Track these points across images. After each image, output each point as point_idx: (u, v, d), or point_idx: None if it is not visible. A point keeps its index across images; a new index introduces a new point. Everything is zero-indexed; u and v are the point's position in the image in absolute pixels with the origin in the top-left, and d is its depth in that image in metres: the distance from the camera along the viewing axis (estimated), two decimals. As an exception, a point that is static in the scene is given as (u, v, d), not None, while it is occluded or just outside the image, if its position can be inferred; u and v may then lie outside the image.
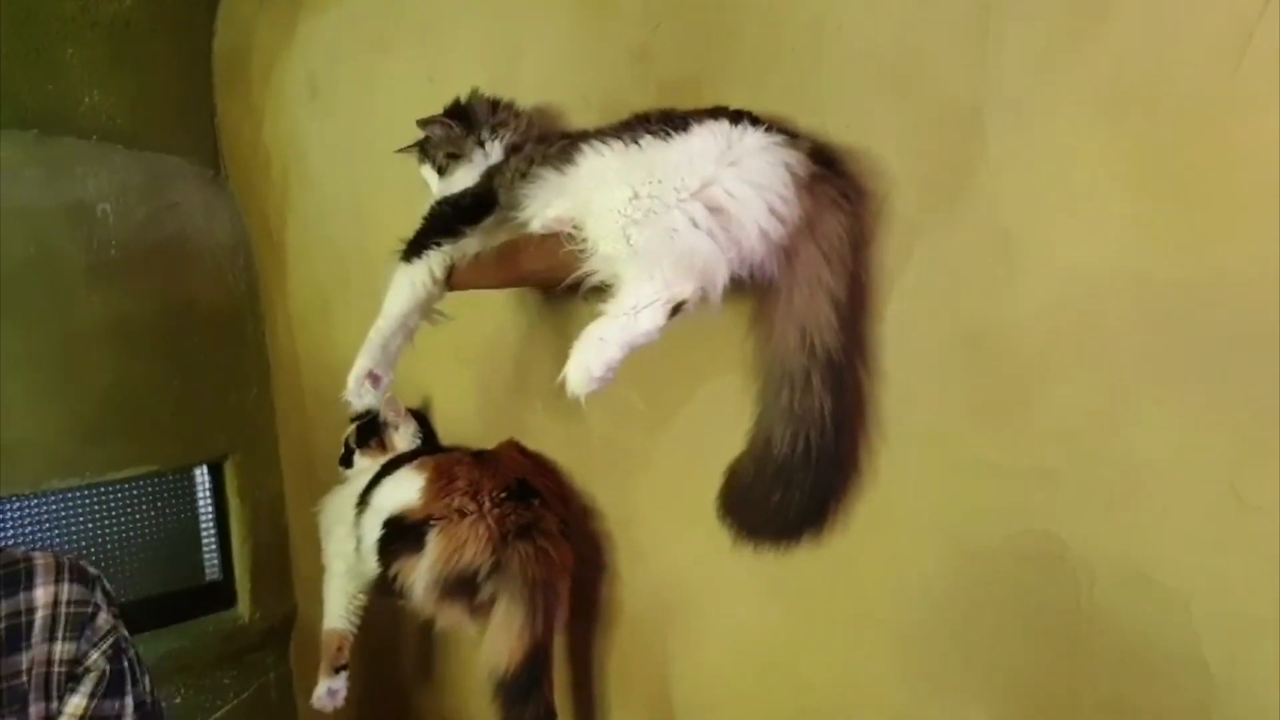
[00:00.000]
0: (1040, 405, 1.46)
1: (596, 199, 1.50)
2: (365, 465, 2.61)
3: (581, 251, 1.50)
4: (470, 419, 2.67)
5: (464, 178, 1.97)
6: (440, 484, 2.17)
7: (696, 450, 1.97)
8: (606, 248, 1.46)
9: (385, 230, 2.76)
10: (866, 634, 1.75)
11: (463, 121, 1.96)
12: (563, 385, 1.38)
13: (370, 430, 2.57)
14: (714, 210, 1.43)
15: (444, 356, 2.70)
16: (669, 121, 1.54)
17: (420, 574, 2.03)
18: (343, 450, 2.61)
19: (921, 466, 1.63)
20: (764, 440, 1.64)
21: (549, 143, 1.86)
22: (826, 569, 1.77)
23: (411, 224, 2.02)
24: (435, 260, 1.89)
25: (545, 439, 2.40)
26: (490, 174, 1.91)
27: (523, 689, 1.97)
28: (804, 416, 1.60)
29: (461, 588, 2.03)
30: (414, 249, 1.90)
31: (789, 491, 1.62)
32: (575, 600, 2.22)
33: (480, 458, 2.29)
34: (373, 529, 2.23)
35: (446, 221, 1.89)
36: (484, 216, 1.85)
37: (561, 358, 1.41)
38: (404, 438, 2.57)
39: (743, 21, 1.82)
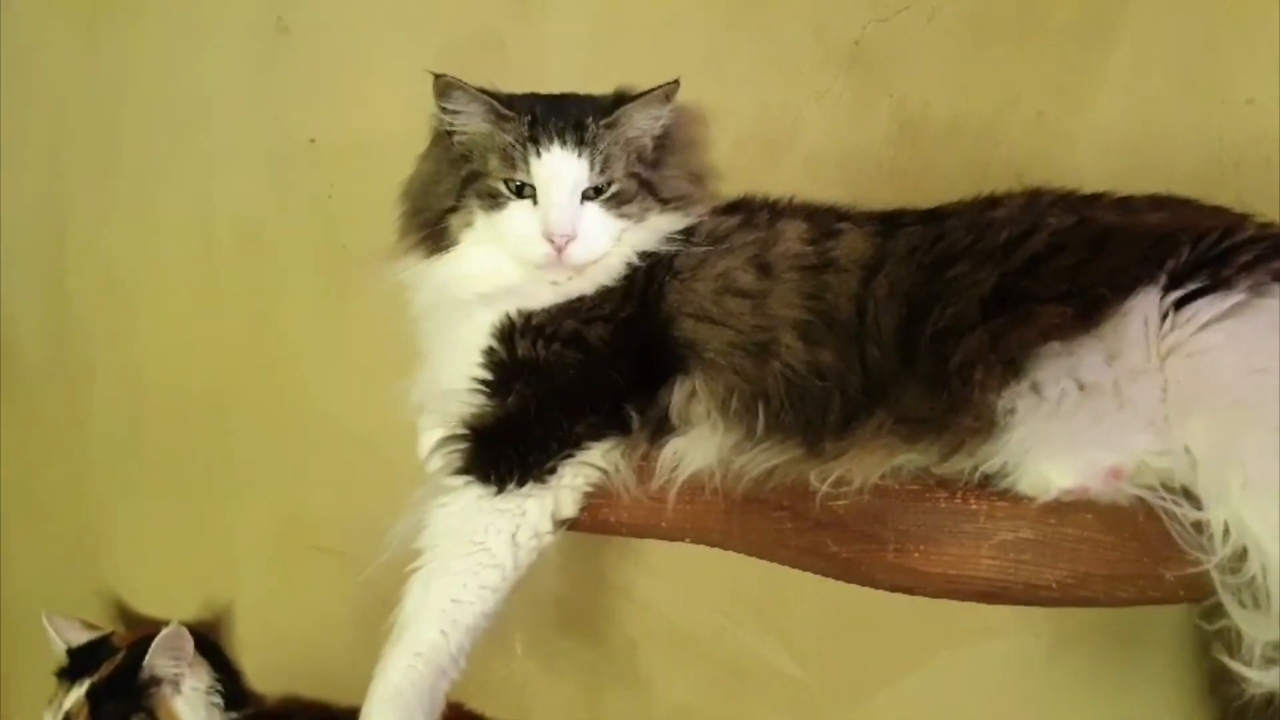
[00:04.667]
0: None
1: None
2: (120, 772, 1.39)
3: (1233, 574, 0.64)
4: (332, 656, 1.50)
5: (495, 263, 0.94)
6: None
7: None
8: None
9: (123, 273, 1.60)
10: None
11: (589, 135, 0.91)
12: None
13: (123, 700, 1.43)
14: None
15: (274, 534, 1.58)
16: None
17: None
18: (55, 745, 1.45)
19: None
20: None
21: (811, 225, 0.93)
22: None
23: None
24: (569, 485, 0.86)
25: (535, 708, 1.37)
26: (654, 286, 0.92)
27: None
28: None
29: None
30: (516, 462, 0.85)
31: None
32: None
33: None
34: None
35: (588, 395, 0.87)
36: (664, 386, 0.88)
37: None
38: (194, 703, 1.47)
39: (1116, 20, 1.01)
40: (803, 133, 1.15)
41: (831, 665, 1.22)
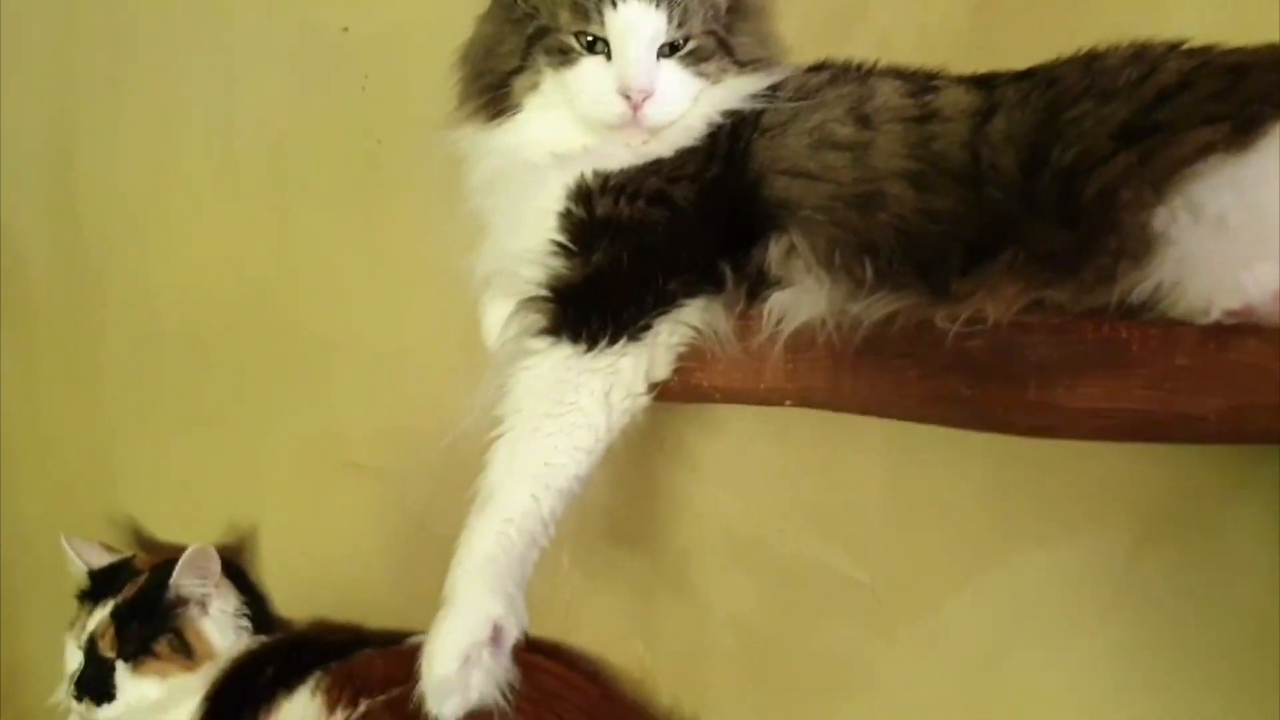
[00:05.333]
0: None
1: None
2: (150, 695, 1.34)
3: None
4: (363, 577, 1.45)
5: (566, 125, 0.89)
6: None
7: (985, 674, 1.13)
8: None
9: (136, 180, 1.48)
10: None
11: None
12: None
13: (149, 620, 1.37)
14: None
15: (301, 451, 1.50)
16: None
17: None
18: (80, 664, 1.37)
19: None
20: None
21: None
22: None
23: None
24: (665, 343, 0.81)
25: (583, 624, 1.32)
26: (740, 145, 0.87)
27: None
28: None
29: None
30: (610, 318, 0.80)
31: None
32: None
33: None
34: None
35: (679, 252, 0.83)
36: (758, 245, 0.84)
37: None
38: (222, 624, 1.41)
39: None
40: (873, 5, 1.09)
41: (898, 569, 1.16)
